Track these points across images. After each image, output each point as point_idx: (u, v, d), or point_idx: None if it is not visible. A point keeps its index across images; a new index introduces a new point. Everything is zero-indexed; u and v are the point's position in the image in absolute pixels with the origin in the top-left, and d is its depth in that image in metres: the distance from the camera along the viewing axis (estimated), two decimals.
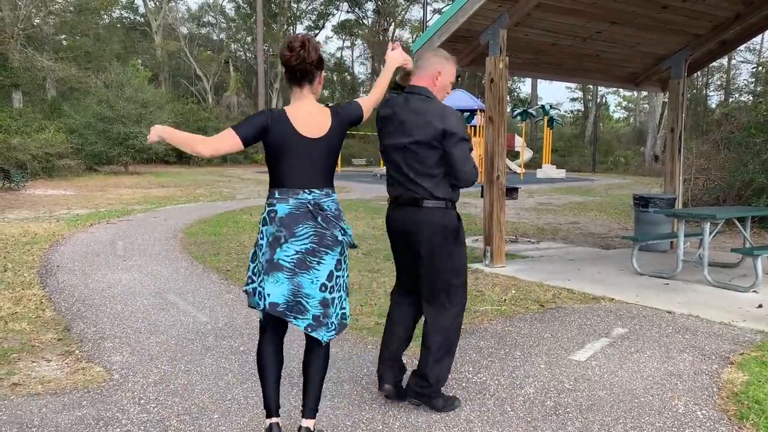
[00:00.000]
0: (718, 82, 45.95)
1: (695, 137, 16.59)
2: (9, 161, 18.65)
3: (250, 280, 2.70)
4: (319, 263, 2.59)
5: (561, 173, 30.04)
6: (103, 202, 14.34)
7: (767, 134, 10.59)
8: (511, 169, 32.72)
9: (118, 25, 43.27)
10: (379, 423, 2.99)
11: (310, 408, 2.70)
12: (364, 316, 4.85)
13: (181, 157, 34.28)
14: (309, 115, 2.62)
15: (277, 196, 2.60)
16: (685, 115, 8.93)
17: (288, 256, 2.56)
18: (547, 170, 30.09)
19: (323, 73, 2.75)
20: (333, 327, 2.66)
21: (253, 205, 14.12)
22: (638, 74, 9.41)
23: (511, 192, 8.42)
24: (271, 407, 2.68)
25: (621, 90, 50.16)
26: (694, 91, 44.41)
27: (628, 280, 6.43)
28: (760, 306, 5.38)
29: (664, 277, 6.55)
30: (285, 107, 2.68)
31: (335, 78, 53.41)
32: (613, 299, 5.58)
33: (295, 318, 2.59)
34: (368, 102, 2.86)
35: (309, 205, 2.58)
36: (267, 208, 2.63)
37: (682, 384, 3.51)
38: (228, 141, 2.54)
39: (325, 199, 2.63)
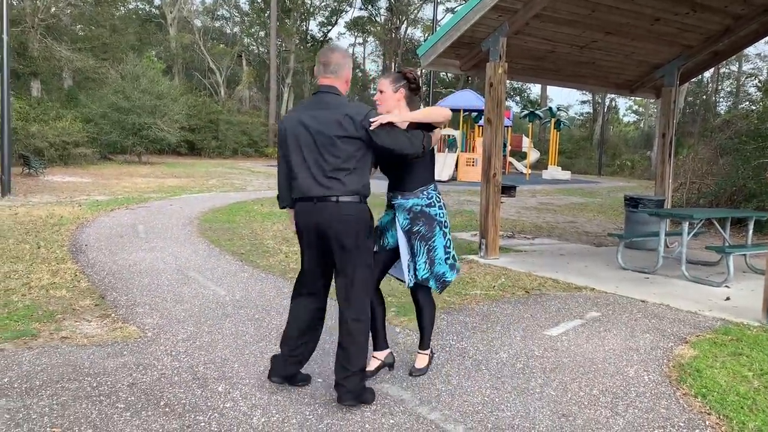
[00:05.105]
0: (728, 89, 46.18)
1: (703, 143, 17.06)
2: (28, 148, 19.32)
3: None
4: None
5: (566, 175, 30.47)
6: (119, 189, 14.96)
7: (758, 142, 11.06)
8: (516, 170, 33.18)
9: (134, 16, 43.86)
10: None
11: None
12: None
13: (192, 149, 34.89)
14: None
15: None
16: (676, 122, 9.43)
17: None
18: (553, 172, 30.52)
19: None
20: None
21: (263, 196, 14.66)
22: (633, 81, 9.91)
23: (509, 190, 8.94)
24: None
25: None
26: (704, 97, 44.60)
27: (611, 274, 6.94)
28: (728, 299, 5.89)
29: (645, 272, 7.05)
30: None
31: None
32: (594, 289, 6.10)
33: None
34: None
35: None
36: (439, 196, 3.44)
37: (637, 356, 4.04)
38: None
39: None
